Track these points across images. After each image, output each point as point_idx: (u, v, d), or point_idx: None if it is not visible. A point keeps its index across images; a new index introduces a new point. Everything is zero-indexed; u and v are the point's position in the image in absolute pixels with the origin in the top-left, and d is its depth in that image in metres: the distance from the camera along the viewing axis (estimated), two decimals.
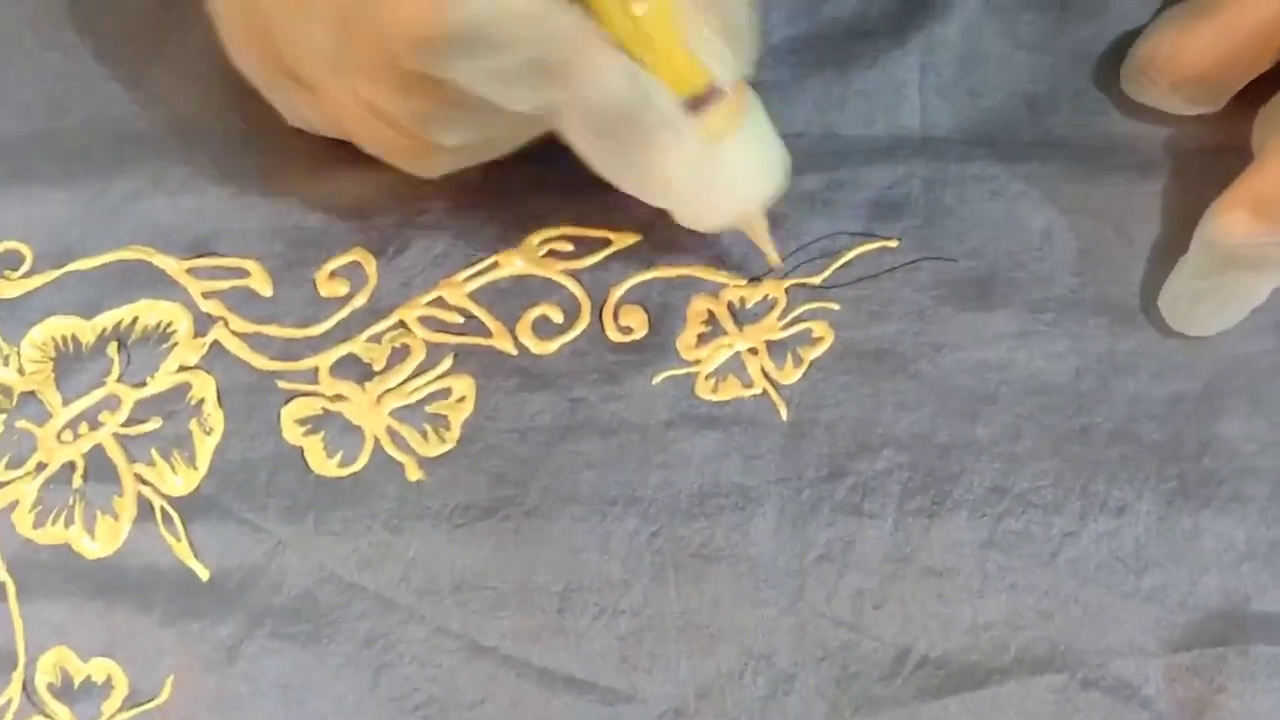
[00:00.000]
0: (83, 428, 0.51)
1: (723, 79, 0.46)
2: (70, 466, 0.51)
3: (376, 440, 0.51)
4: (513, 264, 0.53)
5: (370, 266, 0.53)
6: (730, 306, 0.52)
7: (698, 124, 0.46)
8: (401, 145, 0.49)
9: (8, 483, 0.51)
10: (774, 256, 0.52)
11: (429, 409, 0.51)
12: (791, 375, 0.51)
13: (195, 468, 0.51)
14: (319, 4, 0.45)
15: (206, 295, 0.53)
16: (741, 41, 0.46)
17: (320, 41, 0.45)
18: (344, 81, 0.47)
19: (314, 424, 0.51)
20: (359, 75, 0.46)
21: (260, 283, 0.53)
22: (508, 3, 0.42)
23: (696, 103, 0.46)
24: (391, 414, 0.51)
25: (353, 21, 0.44)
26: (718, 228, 0.51)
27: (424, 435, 0.51)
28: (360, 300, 0.53)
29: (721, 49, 0.46)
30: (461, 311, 0.52)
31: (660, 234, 0.52)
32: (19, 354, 0.52)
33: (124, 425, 0.51)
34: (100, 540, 0.50)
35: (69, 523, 0.50)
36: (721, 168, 0.47)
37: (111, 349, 0.52)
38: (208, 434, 0.51)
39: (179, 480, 0.50)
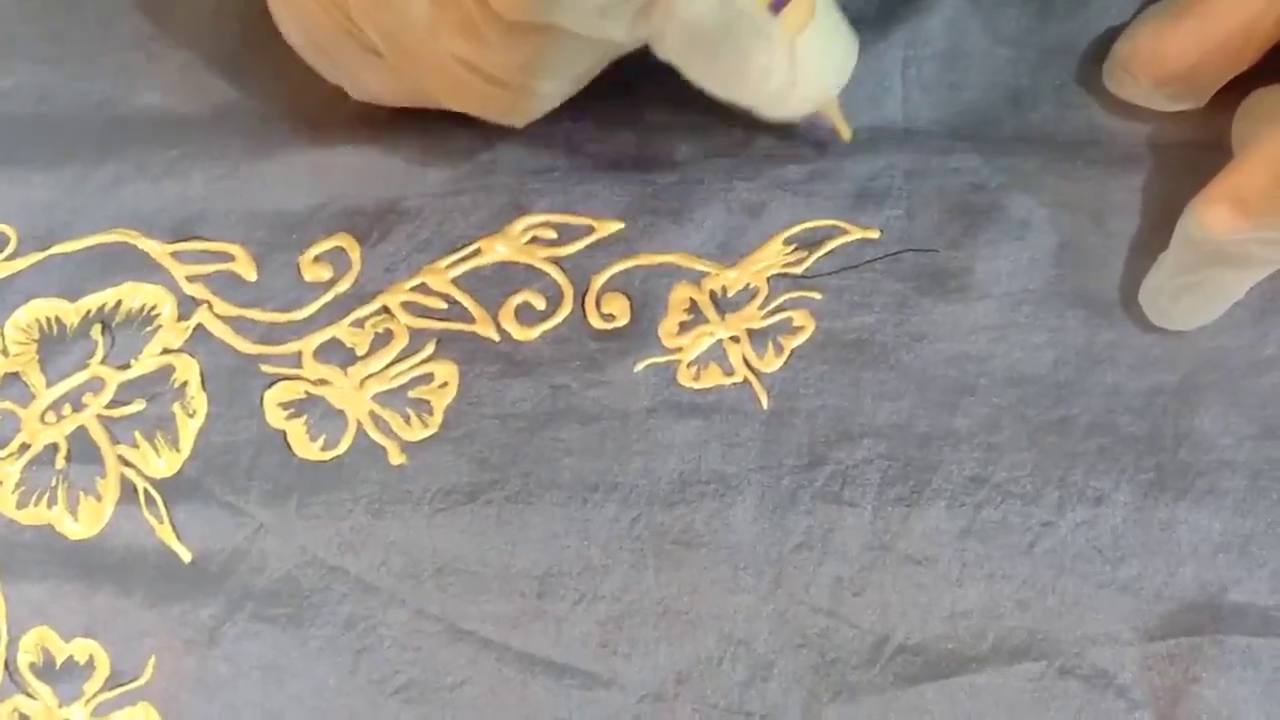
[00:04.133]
0: (66, 409, 0.51)
1: None
2: (53, 448, 0.51)
3: (359, 424, 0.51)
4: (496, 251, 0.53)
5: (354, 252, 0.53)
6: (712, 295, 0.52)
7: (781, 23, 0.47)
8: (496, 97, 0.49)
9: None
10: (847, 132, 0.53)
11: (411, 394, 0.51)
12: (773, 364, 0.51)
13: (178, 450, 0.51)
14: None
15: (190, 279, 0.53)
16: None
17: (416, 9, 0.46)
18: (441, 45, 0.47)
19: (297, 408, 0.51)
20: (457, 36, 0.46)
21: (244, 267, 0.53)
22: None
23: (777, 4, 0.47)
24: (374, 398, 0.51)
25: None
26: (801, 115, 0.52)
27: (406, 420, 0.51)
28: (344, 285, 0.53)
29: None
30: (445, 297, 0.52)
31: (643, 222, 0.52)
32: (3, 335, 0.52)
33: (107, 407, 0.51)
34: (83, 521, 0.50)
35: (52, 503, 0.50)
36: (805, 59, 0.49)
37: (95, 331, 0.52)
38: (191, 417, 0.51)
39: (162, 462, 0.50)
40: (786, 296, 0.52)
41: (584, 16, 0.45)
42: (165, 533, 0.50)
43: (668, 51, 0.47)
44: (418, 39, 0.47)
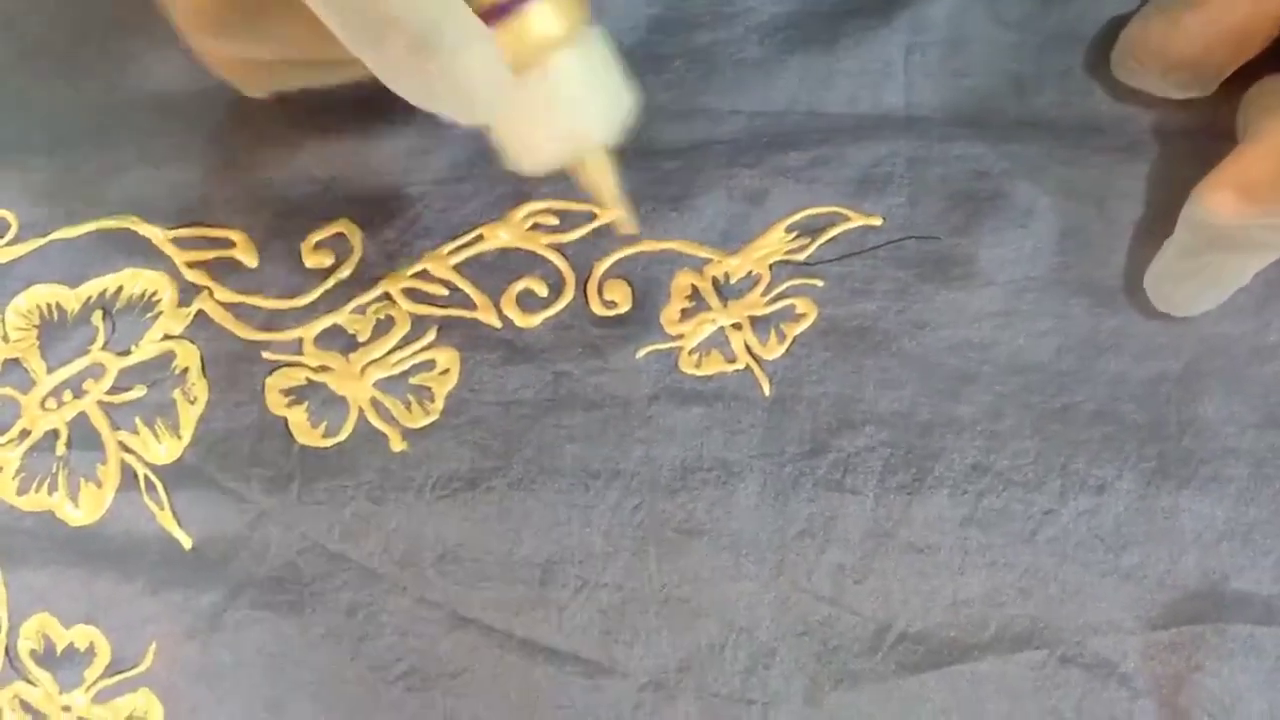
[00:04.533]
0: (67, 395, 0.51)
1: None
2: (54, 434, 0.51)
3: (360, 411, 0.51)
4: (498, 237, 0.53)
5: (355, 238, 0.53)
6: (714, 281, 0.52)
7: (501, 38, 0.40)
8: (226, 64, 0.47)
9: None
10: (613, 205, 0.48)
11: (413, 380, 0.51)
12: (775, 351, 0.51)
13: (179, 436, 0.51)
14: None
15: (191, 265, 0.53)
16: None
17: None
18: None
19: (298, 394, 0.51)
20: None
21: (245, 253, 0.53)
22: None
23: (499, 10, 0.41)
24: (375, 385, 0.51)
25: None
26: (552, 164, 0.45)
27: (408, 407, 0.51)
28: (345, 272, 0.53)
29: None
30: (446, 284, 0.52)
31: (645, 208, 0.52)
32: (3, 321, 0.52)
33: (108, 393, 0.51)
34: (83, 508, 0.50)
35: (52, 490, 0.50)
36: (543, 92, 0.42)
37: (96, 317, 0.52)
38: (192, 403, 0.51)
39: (163, 449, 0.50)
40: (789, 283, 0.52)
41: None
42: (166, 519, 0.50)
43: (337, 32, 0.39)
44: None
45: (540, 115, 0.43)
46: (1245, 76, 0.52)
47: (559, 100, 0.43)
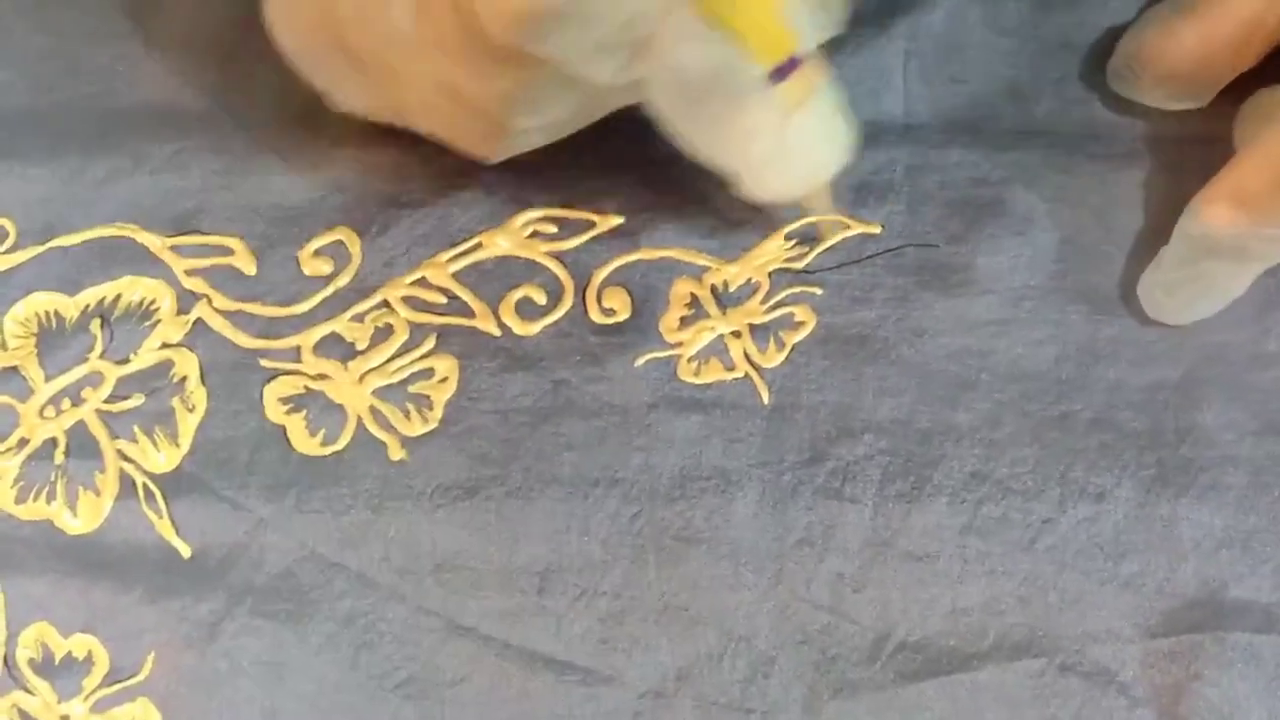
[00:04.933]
0: (65, 404, 0.51)
1: (806, 46, 0.46)
2: (52, 442, 0.51)
3: (359, 419, 0.51)
4: (496, 245, 0.53)
5: (354, 246, 0.53)
6: (713, 289, 0.52)
7: (779, 93, 0.46)
8: (472, 128, 0.48)
9: None
10: (834, 233, 0.53)
11: (411, 389, 0.51)
12: (774, 359, 0.51)
13: (177, 445, 0.51)
14: None
15: (189, 273, 0.53)
16: (829, 5, 0.47)
17: (401, 24, 0.45)
18: (423, 65, 0.46)
19: (296, 402, 0.51)
20: (441, 58, 0.45)
21: (243, 261, 0.53)
22: None
23: (780, 72, 0.45)
24: (374, 393, 0.51)
25: (439, 3, 0.44)
26: (786, 200, 0.51)
27: (406, 415, 0.51)
28: (344, 279, 0.53)
29: (810, 12, 0.46)
30: (445, 292, 0.52)
31: (644, 216, 0.52)
32: (2, 329, 0.52)
33: (106, 401, 0.51)
34: (82, 516, 0.50)
35: (51, 498, 0.50)
36: (795, 138, 0.47)
37: (94, 325, 0.52)
38: (190, 411, 0.51)
39: (161, 457, 0.50)
40: (788, 291, 0.52)
41: (579, 48, 0.43)
42: (164, 528, 0.50)
43: (656, 100, 0.46)
44: (400, 56, 0.47)
45: (792, 155, 0.48)
46: (1240, 87, 0.52)
47: (808, 144, 0.48)
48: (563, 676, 0.49)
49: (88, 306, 0.52)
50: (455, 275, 0.52)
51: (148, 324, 0.52)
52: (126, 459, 0.50)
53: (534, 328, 0.52)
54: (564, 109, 0.48)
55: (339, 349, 0.52)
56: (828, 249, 0.52)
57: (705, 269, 0.52)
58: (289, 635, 0.49)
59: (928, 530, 0.49)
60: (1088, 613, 0.48)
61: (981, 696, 0.48)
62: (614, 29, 0.43)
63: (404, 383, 0.51)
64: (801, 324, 0.51)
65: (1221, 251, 0.49)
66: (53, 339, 0.52)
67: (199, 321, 0.52)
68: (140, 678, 0.49)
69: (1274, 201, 0.47)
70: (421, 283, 0.52)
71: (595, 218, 0.53)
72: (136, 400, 0.51)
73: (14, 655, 0.49)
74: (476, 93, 0.46)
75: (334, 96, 0.52)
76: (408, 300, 0.52)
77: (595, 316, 0.52)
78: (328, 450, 0.51)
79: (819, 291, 0.52)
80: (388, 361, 0.51)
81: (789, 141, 0.47)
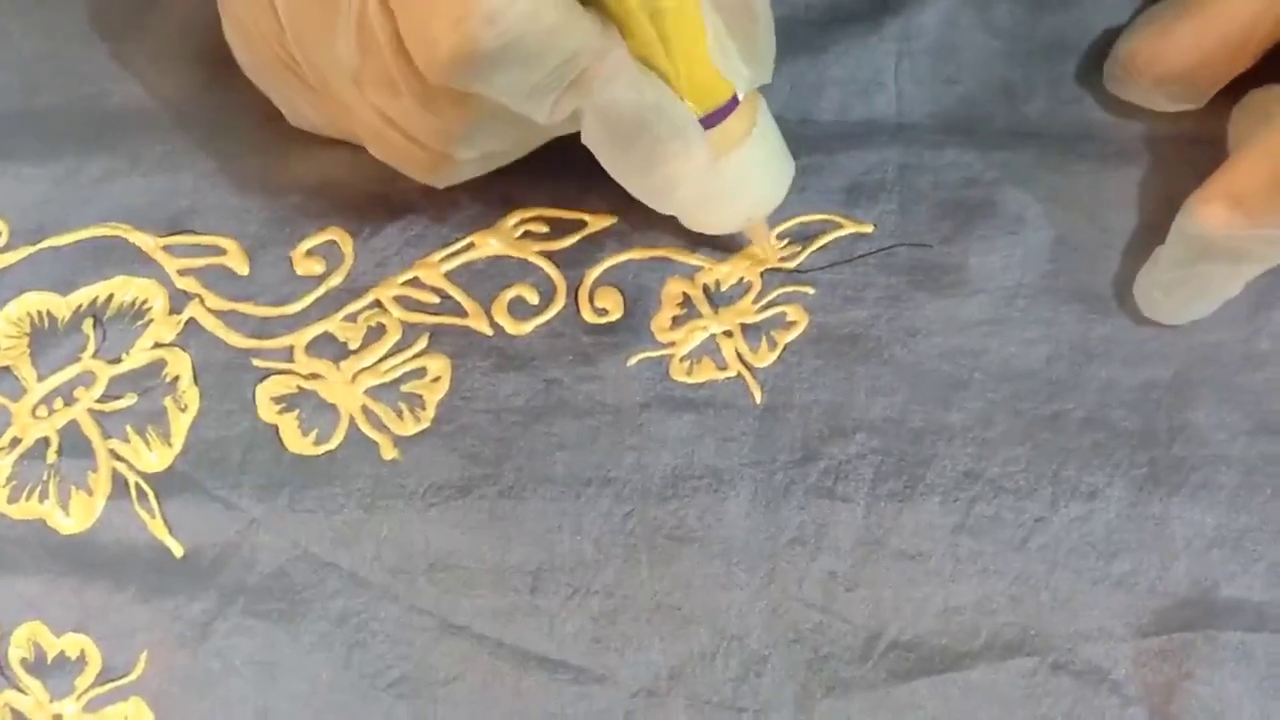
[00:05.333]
0: (57, 403, 0.51)
1: (740, 89, 0.47)
2: (45, 442, 0.51)
3: (351, 419, 0.51)
4: (488, 245, 0.53)
5: (347, 245, 0.53)
6: (705, 289, 0.52)
7: (712, 136, 0.46)
8: (415, 157, 0.49)
9: None
10: (771, 257, 0.53)
11: (404, 388, 0.51)
12: (766, 358, 0.51)
13: (170, 444, 0.51)
14: (342, 21, 0.45)
15: (182, 272, 0.53)
16: (761, 50, 0.47)
17: (343, 55, 0.45)
18: (364, 95, 0.46)
19: (289, 402, 0.51)
20: (380, 91, 0.46)
21: (236, 260, 0.53)
22: (537, 16, 0.41)
23: (714, 116, 0.46)
24: (366, 393, 0.51)
25: (378, 39, 0.44)
26: (722, 233, 0.51)
27: (399, 414, 0.51)
28: (336, 279, 0.53)
29: (741, 66, 0.47)
30: (437, 291, 0.52)
31: (636, 216, 0.52)
32: None
33: (99, 401, 0.51)
34: (74, 516, 0.50)
35: (43, 498, 0.50)
36: (731, 177, 0.48)
37: (87, 325, 0.52)
38: (183, 411, 0.51)
39: (154, 456, 0.50)
40: (780, 291, 0.52)
41: (507, 91, 0.43)
42: (157, 527, 0.50)
43: (586, 138, 0.46)
44: (345, 87, 0.47)
45: (726, 194, 0.49)
46: (1234, 87, 0.52)
47: (743, 183, 0.49)
48: (555, 675, 0.48)
49: (80, 306, 0.52)
50: (447, 275, 0.52)
51: (140, 324, 0.52)
52: (119, 458, 0.50)
53: (526, 327, 0.52)
54: (503, 142, 0.49)
55: (331, 349, 0.52)
56: (820, 248, 0.52)
57: (697, 268, 0.52)
58: (281, 635, 0.49)
59: (920, 529, 0.49)
60: (1080, 612, 0.48)
61: (974, 695, 0.48)
62: (548, 70, 0.43)
63: (396, 382, 0.51)
64: (794, 323, 0.52)
65: (1218, 252, 0.49)
66: (45, 339, 0.52)
67: (191, 321, 0.52)
68: (133, 677, 0.49)
69: (1270, 201, 0.47)
70: (414, 282, 0.52)
71: (587, 217, 0.53)
72: (129, 400, 0.51)
73: (6, 654, 0.49)
74: (415, 126, 0.47)
75: (288, 113, 0.52)
76: (400, 300, 0.52)
77: (587, 316, 0.52)
78: (320, 450, 0.51)
79: (811, 291, 0.52)
80: (380, 361, 0.51)
81: (722, 181, 0.47)
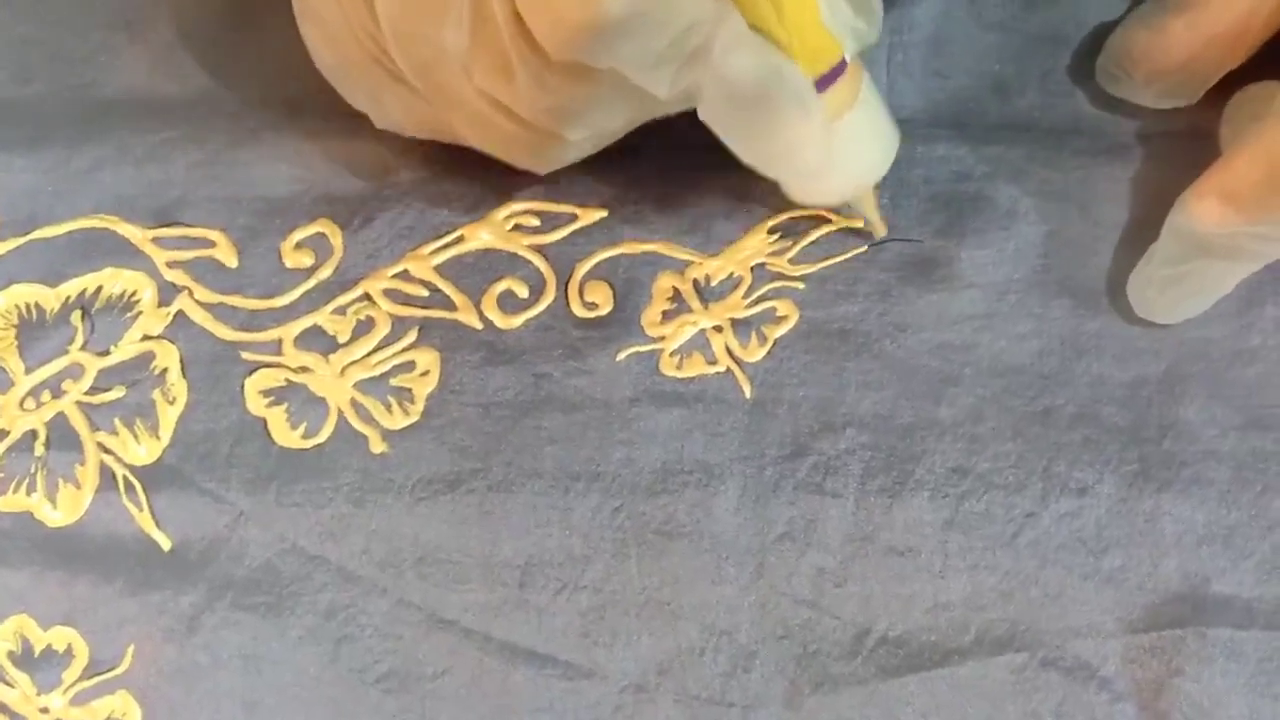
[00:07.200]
0: (45, 396, 0.51)
1: (849, 49, 0.47)
2: (32, 434, 0.51)
3: (340, 412, 0.51)
4: (479, 238, 0.53)
5: (336, 238, 0.53)
6: (696, 283, 0.52)
7: (824, 100, 0.46)
8: (522, 141, 0.48)
9: None
10: (881, 228, 0.52)
11: (393, 382, 0.51)
12: (756, 353, 0.51)
13: (158, 437, 0.51)
14: (454, 8, 0.45)
15: (171, 265, 0.53)
16: (871, 10, 0.47)
17: (452, 43, 0.45)
18: (471, 82, 0.46)
19: (277, 395, 0.51)
20: (491, 75, 0.45)
21: (225, 253, 0.53)
22: None
23: (825, 80, 0.46)
24: (355, 386, 0.51)
25: (494, 21, 0.44)
26: (832, 203, 0.52)
27: (388, 408, 0.51)
28: (325, 272, 0.52)
29: (853, 19, 0.47)
30: (427, 285, 0.52)
31: (627, 210, 0.52)
32: None
33: (87, 394, 0.51)
34: (62, 509, 0.50)
35: (31, 490, 0.50)
36: (841, 144, 0.47)
37: (75, 317, 0.52)
38: (171, 404, 0.51)
39: (142, 449, 0.50)
40: (770, 286, 0.52)
41: (638, 59, 0.43)
42: (145, 520, 0.50)
43: (706, 110, 0.46)
44: (450, 73, 0.46)
45: (839, 161, 0.48)
46: (1228, 84, 0.52)
47: (853, 150, 0.49)
48: (544, 670, 0.49)
49: (69, 298, 0.52)
50: (437, 268, 0.52)
51: (129, 316, 0.52)
52: (107, 451, 0.50)
53: (516, 321, 0.52)
54: (615, 119, 0.48)
55: (320, 342, 0.52)
56: (811, 243, 0.52)
57: (687, 263, 0.52)
58: (269, 628, 0.49)
59: (909, 525, 0.49)
60: (1069, 608, 0.48)
61: (963, 691, 0.48)
62: (671, 39, 0.43)
63: (385, 376, 0.51)
64: (784, 318, 0.51)
65: (1213, 249, 0.49)
66: (33, 330, 0.52)
67: (180, 314, 0.52)
68: (120, 670, 0.49)
69: (1265, 198, 0.47)
70: (403, 275, 0.52)
71: (578, 211, 0.53)
72: (117, 392, 0.51)
73: None
74: (527, 108, 0.46)
75: (373, 113, 0.51)
76: (389, 293, 0.52)
77: (577, 310, 0.52)
78: (309, 443, 0.51)
79: (801, 286, 0.52)
80: (369, 354, 0.51)
81: (835, 148, 0.47)
